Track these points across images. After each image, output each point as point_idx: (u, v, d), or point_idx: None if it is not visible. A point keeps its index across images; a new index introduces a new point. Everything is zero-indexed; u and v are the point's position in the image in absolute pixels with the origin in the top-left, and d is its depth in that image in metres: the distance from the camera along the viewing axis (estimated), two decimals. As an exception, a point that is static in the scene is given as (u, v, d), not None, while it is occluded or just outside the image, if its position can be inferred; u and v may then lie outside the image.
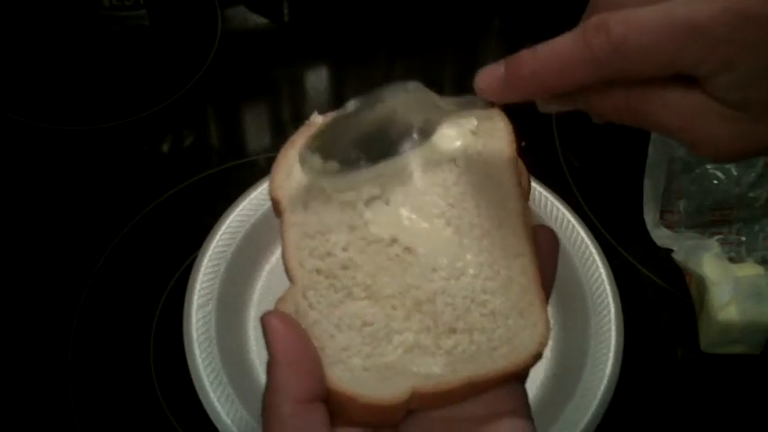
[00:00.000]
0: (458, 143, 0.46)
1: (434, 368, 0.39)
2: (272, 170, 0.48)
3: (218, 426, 0.51)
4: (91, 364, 0.60)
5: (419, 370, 0.39)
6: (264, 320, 0.38)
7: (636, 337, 0.57)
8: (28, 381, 0.60)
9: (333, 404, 0.38)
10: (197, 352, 0.54)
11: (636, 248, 0.67)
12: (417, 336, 0.40)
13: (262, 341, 0.50)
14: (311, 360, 0.38)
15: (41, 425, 0.58)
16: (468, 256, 0.42)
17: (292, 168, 0.47)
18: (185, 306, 0.56)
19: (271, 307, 0.59)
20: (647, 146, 0.71)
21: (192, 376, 0.53)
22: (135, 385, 0.59)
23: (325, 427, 0.36)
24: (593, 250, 0.59)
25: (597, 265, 0.58)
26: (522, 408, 0.39)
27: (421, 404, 0.38)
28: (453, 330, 0.40)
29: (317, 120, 0.49)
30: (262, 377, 0.56)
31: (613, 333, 0.55)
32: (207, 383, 0.52)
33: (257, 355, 0.57)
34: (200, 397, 0.52)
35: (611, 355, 0.54)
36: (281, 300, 0.41)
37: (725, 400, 0.61)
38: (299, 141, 0.48)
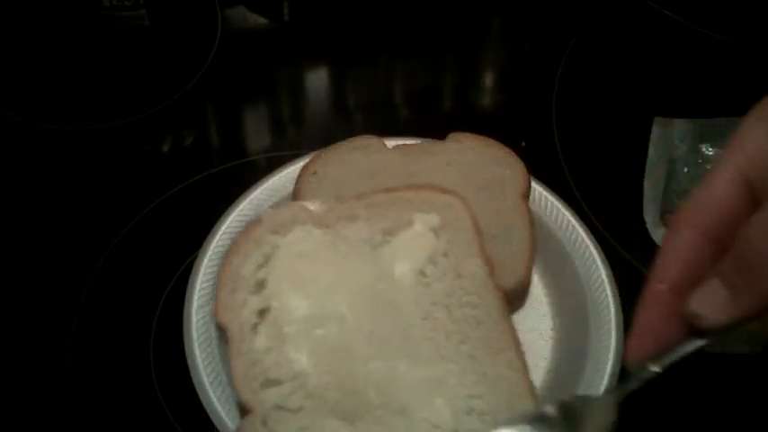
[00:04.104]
0: (423, 252, 0.43)
1: None
2: (217, 284, 0.44)
3: (218, 426, 0.51)
4: (91, 364, 0.60)
5: None
6: None
7: (636, 337, 0.57)
8: (28, 381, 0.60)
9: None
10: (197, 352, 0.53)
11: (636, 248, 0.67)
12: None
13: (262, 341, 0.49)
14: None
15: (41, 425, 0.58)
16: (450, 366, 0.41)
17: (238, 280, 0.44)
18: (185, 306, 0.55)
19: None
20: (647, 146, 0.71)
21: (192, 376, 0.53)
22: (135, 385, 0.59)
23: None
24: (593, 250, 0.58)
25: (597, 265, 0.58)
26: None
27: None
28: None
29: (266, 218, 0.46)
30: (262, 377, 0.56)
31: (613, 333, 0.55)
32: (207, 383, 0.52)
33: (257, 355, 0.57)
34: (200, 397, 0.52)
35: (611, 355, 0.54)
36: None
37: (725, 400, 0.61)
38: (243, 245, 0.45)
